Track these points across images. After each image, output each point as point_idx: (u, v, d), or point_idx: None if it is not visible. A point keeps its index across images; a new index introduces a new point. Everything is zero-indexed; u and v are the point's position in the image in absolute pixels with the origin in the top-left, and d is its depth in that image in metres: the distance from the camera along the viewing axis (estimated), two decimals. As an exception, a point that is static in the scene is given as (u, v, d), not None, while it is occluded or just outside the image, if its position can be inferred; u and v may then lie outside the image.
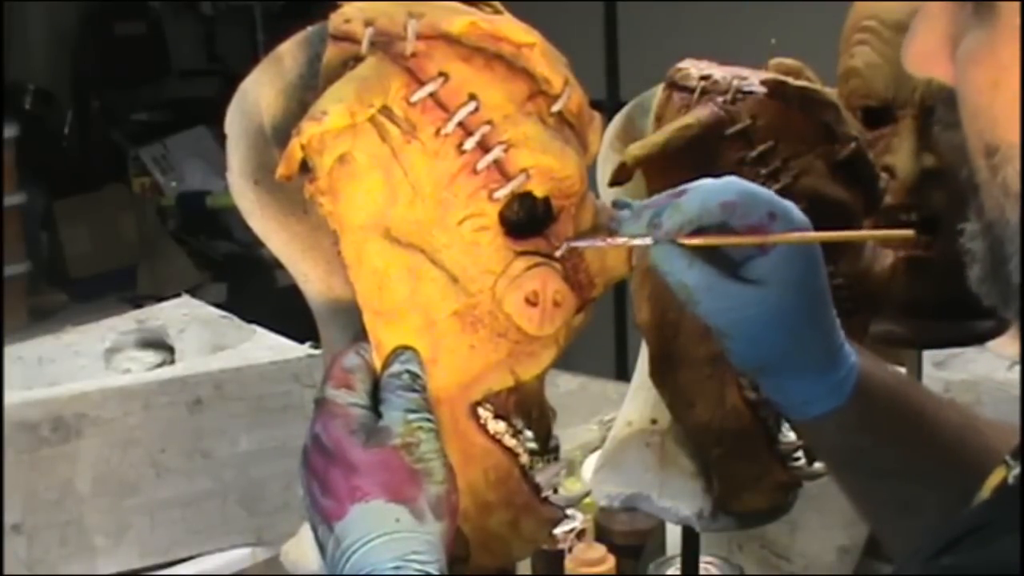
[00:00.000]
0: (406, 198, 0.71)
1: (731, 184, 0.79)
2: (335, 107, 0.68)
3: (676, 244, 0.77)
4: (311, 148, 0.69)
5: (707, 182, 0.79)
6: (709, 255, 0.78)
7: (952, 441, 0.82)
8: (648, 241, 0.77)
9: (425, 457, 0.69)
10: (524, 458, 0.78)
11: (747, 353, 0.81)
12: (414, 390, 0.71)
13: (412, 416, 0.70)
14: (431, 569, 0.66)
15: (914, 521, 0.81)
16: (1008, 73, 0.53)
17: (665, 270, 0.78)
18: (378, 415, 0.71)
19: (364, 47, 0.70)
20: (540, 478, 0.79)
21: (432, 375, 0.73)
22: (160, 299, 1.61)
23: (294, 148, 0.69)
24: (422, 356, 0.73)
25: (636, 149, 0.91)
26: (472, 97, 0.71)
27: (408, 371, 0.72)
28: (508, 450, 0.77)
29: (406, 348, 0.73)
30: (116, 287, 3.93)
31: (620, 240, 0.77)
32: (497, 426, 0.76)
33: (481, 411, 0.76)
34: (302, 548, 0.79)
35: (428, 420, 0.71)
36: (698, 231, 0.78)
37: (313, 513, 0.70)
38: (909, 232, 0.81)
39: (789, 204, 0.79)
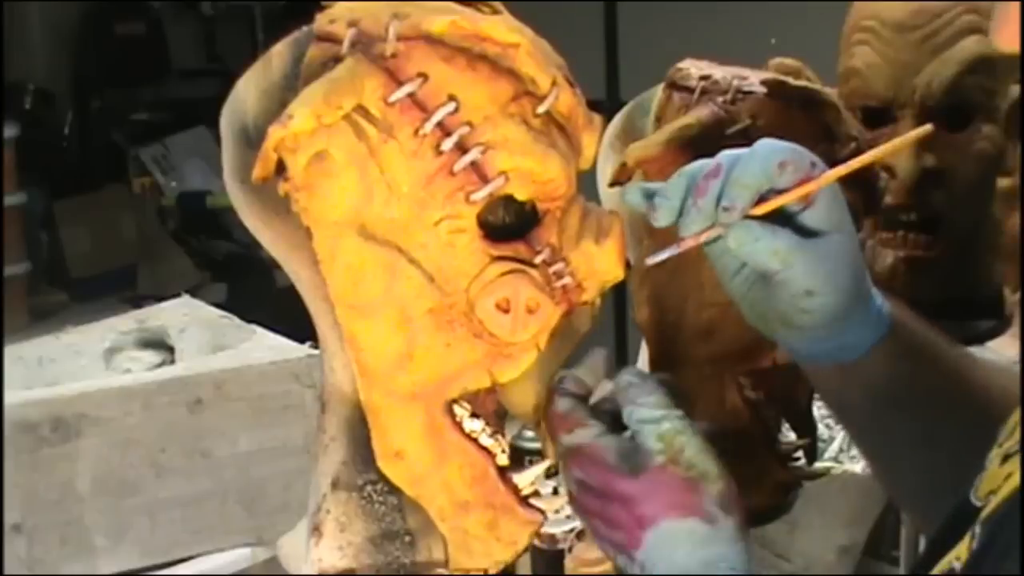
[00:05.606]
0: (382, 196, 0.71)
1: (775, 145, 0.76)
2: (300, 111, 0.68)
3: (749, 218, 0.74)
4: (284, 147, 0.69)
5: (748, 151, 0.75)
6: (773, 220, 0.76)
7: (980, 371, 0.83)
8: (720, 231, 0.75)
9: (694, 462, 0.70)
10: (502, 459, 0.77)
11: (833, 304, 0.77)
12: (648, 394, 0.72)
13: (664, 427, 0.71)
14: (739, 567, 0.68)
15: (936, 456, 0.80)
16: None
17: (748, 248, 0.75)
18: (620, 427, 0.72)
19: (344, 47, 0.70)
20: (520, 479, 0.78)
21: (407, 370, 0.73)
22: (160, 299, 1.61)
23: (267, 151, 0.68)
24: (397, 350, 0.73)
25: (636, 149, 0.91)
26: (452, 98, 0.70)
27: (625, 380, 0.73)
28: (484, 449, 0.76)
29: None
30: (116, 287, 3.92)
31: (690, 241, 0.76)
32: (473, 425, 0.76)
33: (457, 409, 0.75)
34: (295, 542, 0.79)
35: (679, 420, 0.71)
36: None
37: (606, 546, 0.72)
38: (928, 127, 0.79)
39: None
